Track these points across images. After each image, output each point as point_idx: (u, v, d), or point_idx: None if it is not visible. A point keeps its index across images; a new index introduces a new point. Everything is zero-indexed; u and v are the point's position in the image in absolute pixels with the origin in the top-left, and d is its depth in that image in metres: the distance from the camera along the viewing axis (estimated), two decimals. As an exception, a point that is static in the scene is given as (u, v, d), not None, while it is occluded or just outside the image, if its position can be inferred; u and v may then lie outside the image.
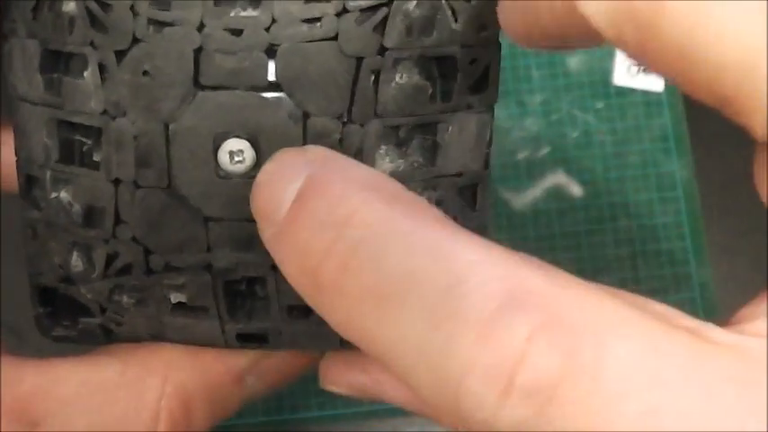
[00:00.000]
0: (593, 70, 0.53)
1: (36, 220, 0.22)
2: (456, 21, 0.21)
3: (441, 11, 0.20)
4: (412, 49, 0.20)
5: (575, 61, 0.53)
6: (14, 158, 0.23)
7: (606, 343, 0.14)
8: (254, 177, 0.19)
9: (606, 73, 0.52)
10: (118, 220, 0.21)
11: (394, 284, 0.16)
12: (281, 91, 0.20)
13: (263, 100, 0.20)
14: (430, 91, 0.21)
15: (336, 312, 0.17)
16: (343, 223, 0.16)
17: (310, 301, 0.18)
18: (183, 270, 0.22)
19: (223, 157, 0.21)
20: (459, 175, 0.22)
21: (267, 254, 0.19)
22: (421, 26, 0.20)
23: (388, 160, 0.21)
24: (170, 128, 0.20)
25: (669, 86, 0.52)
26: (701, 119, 0.52)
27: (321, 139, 0.20)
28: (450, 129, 0.21)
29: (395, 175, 0.21)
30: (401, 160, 0.21)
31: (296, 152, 0.19)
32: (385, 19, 0.20)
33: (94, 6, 0.20)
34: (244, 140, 0.20)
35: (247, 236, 0.21)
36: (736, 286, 0.46)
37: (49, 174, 0.22)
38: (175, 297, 0.22)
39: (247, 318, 0.22)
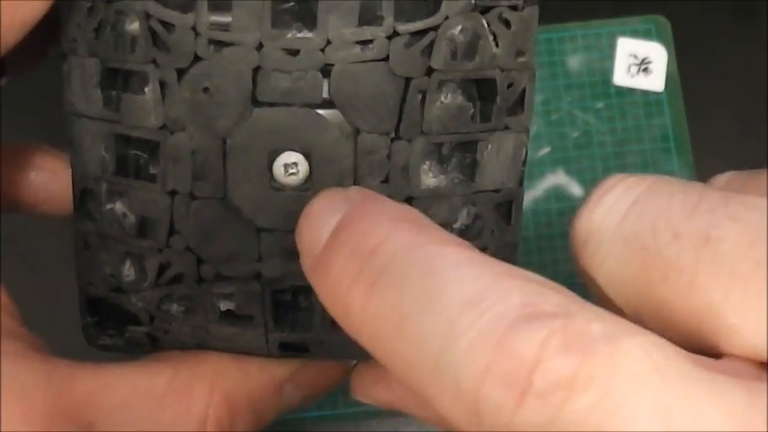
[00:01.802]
0: (593, 70, 0.53)
1: (89, 231, 0.23)
2: (497, 46, 0.22)
3: (483, 37, 0.21)
4: (456, 71, 0.21)
5: (575, 61, 0.53)
6: (65, 182, 0.24)
7: (620, 346, 0.15)
8: (307, 190, 0.21)
9: (606, 73, 0.52)
10: (172, 231, 0.22)
11: (414, 304, 0.16)
12: (333, 108, 0.21)
13: (316, 117, 0.21)
14: (471, 111, 0.22)
15: (364, 334, 0.18)
16: (371, 252, 0.17)
17: (342, 324, 0.18)
18: (232, 279, 0.23)
19: (278, 169, 0.21)
20: (497, 191, 0.23)
21: None
22: (464, 51, 0.21)
23: (431, 175, 0.22)
24: (227, 143, 0.21)
25: (669, 86, 0.52)
26: (701, 119, 0.52)
27: (370, 154, 0.22)
28: (488, 147, 0.22)
29: (437, 190, 0.22)
30: (443, 176, 0.22)
31: (338, 191, 0.20)
32: (432, 43, 0.21)
33: (158, 26, 0.21)
34: (298, 154, 0.21)
35: (293, 246, 0.21)
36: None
37: (104, 186, 0.22)
38: (224, 305, 0.23)
39: (291, 327, 0.23)
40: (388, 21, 0.21)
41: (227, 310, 0.23)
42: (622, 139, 0.51)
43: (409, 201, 0.22)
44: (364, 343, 0.18)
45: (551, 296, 0.16)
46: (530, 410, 0.15)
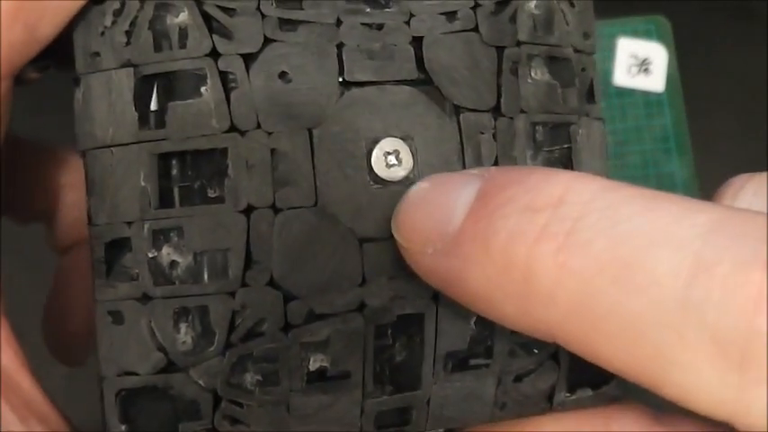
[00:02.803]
0: (593, 70, 0.53)
1: (123, 298, 0.18)
2: (567, 24, 0.21)
3: (557, 12, 0.21)
4: (540, 46, 0.20)
5: (575, 61, 0.53)
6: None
7: None
8: (412, 183, 0.18)
9: (606, 73, 0.52)
10: (249, 263, 0.18)
11: (635, 250, 0.15)
12: (431, 84, 0.19)
13: (414, 93, 0.19)
14: (559, 91, 0.20)
15: (562, 299, 0.15)
16: (556, 203, 0.15)
17: (515, 300, 0.16)
18: (329, 318, 0.18)
19: (377, 160, 0.18)
20: None
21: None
22: (543, 24, 0.20)
23: (529, 156, 0.20)
24: (314, 134, 0.18)
25: (670, 87, 0.52)
26: (701, 119, 0.52)
27: (477, 134, 0.19)
28: (580, 132, 0.21)
29: None
30: (540, 159, 0.20)
31: (455, 173, 0.18)
32: (515, 13, 0.20)
33: (215, 11, 0.18)
34: (399, 140, 0.19)
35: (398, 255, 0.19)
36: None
37: (146, 227, 0.18)
38: (314, 362, 0.19)
39: (393, 385, 0.19)
40: None
41: (318, 370, 0.19)
42: (623, 139, 0.51)
43: None
44: (564, 312, 0.15)
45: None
46: None
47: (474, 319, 0.19)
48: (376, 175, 0.18)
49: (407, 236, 0.17)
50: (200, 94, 0.18)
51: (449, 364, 0.19)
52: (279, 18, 0.18)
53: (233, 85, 0.18)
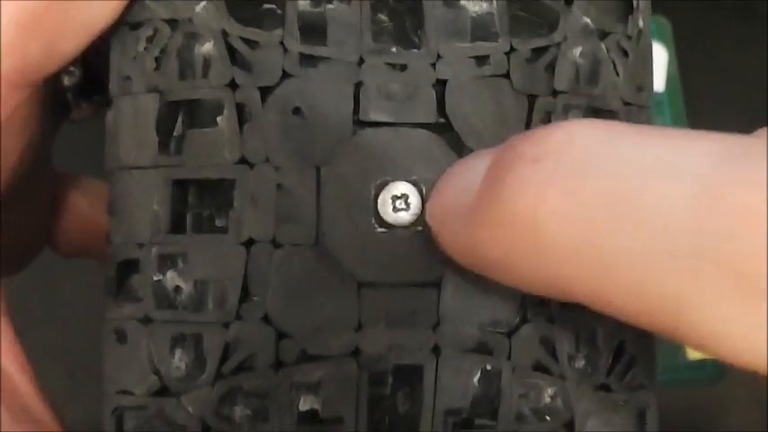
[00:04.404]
0: (593, 70, 0.53)
1: (128, 317, 0.19)
2: (617, 75, 0.19)
3: (604, 62, 0.19)
4: (580, 96, 0.19)
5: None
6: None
7: None
8: (419, 230, 0.18)
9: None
10: (245, 296, 0.18)
11: (639, 184, 0.14)
12: (450, 130, 0.18)
13: (430, 138, 0.18)
14: None
15: (568, 247, 0.14)
16: (559, 149, 0.15)
17: (528, 256, 0.15)
18: (321, 360, 0.18)
19: (384, 204, 0.18)
20: None
21: (430, 331, 0.18)
22: (587, 74, 0.19)
23: None
24: (322, 172, 0.18)
25: (669, 86, 0.52)
26: (702, 119, 0.52)
27: None
28: None
29: None
30: None
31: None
32: (554, 61, 0.19)
33: (239, 44, 0.18)
34: (408, 184, 0.18)
35: (409, 307, 0.18)
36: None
37: (154, 251, 0.18)
38: (305, 403, 0.18)
39: None
40: (504, 37, 0.19)
41: (309, 411, 0.18)
42: (622, 139, 0.51)
43: None
44: (570, 260, 0.14)
45: None
46: None
47: (477, 376, 0.18)
48: (381, 219, 0.18)
49: (439, 218, 0.17)
50: (215, 124, 0.18)
51: (449, 421, 0.19)
52: (300, 53, 0.18)
53: (247, 116, 0.18)
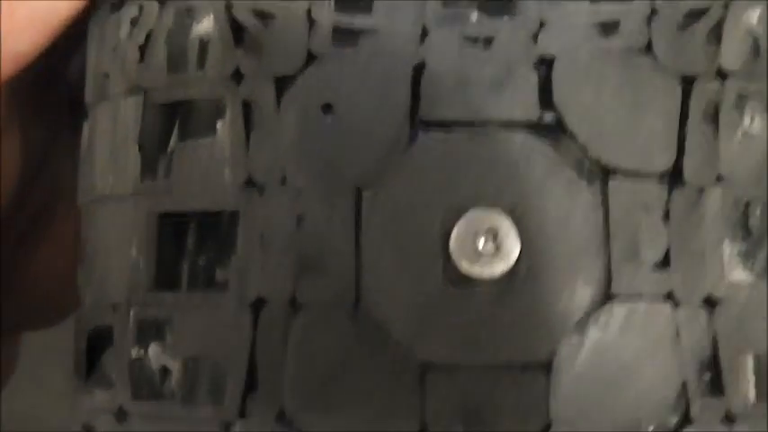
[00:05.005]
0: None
1: (98, 410, 0.14)
2: None
3: None
4: (759, 80, 0.14)
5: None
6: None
7: None
8: (515, 285, 0.13)
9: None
10: (252, 383, 0.13)
11: None
12: (561, 131, 0.13)
13: (530, 144, 0.13)
14: None
15: None
16: None
17: None
18: None
19: (461, 243, 0.13)
20: None
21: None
22: None
23: (738, 263, 0.14)
24: (364, 197, 0.13)
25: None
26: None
27: (637, 212, 0.13)
28: None
29: (750, 292, 0.13)
30: (749, 272, 0.14)
31: None
32: (718, 28, 0.14)
33: (246, 17, 0.13)
34: (498, 214, 0.13)
35: (500, 401, 0.13)
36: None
37: (132, 315, 0.13)
38: None
39: None
40: None
41: None
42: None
43: (710, 304, 0.13)
44: None
45: None
46: None
47: None
48: (455, 267, 0.13)
49: None
50: (214, 132, 0.13)
51: None
52: (334, 27, 0.13)
53: (256, 119, 0.13)
